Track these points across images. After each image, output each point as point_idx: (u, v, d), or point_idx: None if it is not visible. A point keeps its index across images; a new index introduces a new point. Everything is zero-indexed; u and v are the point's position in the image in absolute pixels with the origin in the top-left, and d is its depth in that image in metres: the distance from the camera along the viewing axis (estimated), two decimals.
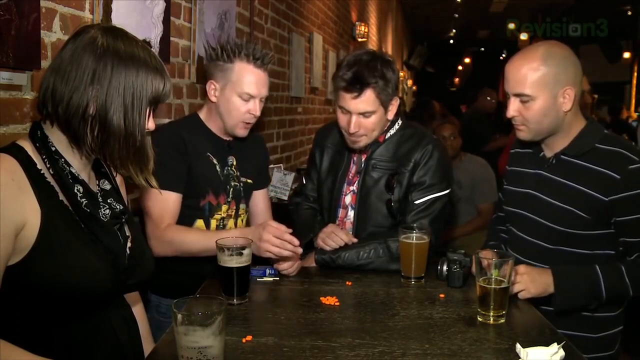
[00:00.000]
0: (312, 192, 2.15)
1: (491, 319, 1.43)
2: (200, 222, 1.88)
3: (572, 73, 1.60)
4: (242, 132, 1.88)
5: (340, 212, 2.02)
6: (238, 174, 1.95)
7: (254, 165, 2.04)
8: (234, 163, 1.95)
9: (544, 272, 1.59)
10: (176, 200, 1.79)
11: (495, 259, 1.45)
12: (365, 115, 1.82)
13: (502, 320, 1.43)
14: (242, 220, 1.99)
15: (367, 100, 1.79)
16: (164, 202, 1.75)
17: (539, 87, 1.57)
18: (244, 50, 1.81)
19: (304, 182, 2.21)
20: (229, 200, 1.92)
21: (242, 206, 1.98)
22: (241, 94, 1.81)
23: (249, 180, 1.99)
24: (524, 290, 1.56)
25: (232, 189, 1.93)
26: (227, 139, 1.93)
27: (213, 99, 1.85)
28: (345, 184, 2.01)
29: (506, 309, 1.44)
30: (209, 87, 1.86)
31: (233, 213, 1.94)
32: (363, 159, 1.97)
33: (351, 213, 1.98)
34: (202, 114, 1.94)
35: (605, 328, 1.68)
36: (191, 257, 1.77)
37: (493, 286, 1.43)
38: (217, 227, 1.90)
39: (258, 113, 1.85)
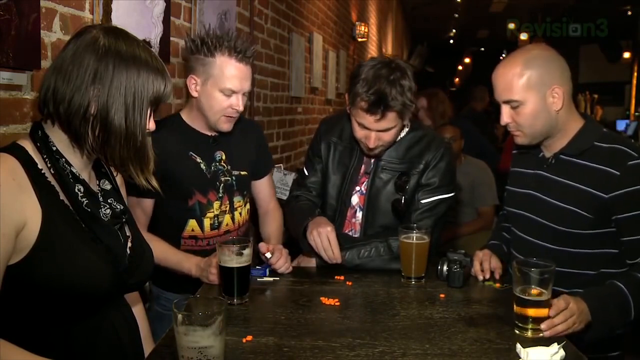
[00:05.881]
0: (314, 185, 2.07)
1: (529, 332, 1.36)
2: (192, 223, 1.87)
3: (557, 72, 1.60)
4: (225, 126, 1.84)
5: (348, 212, 2.01)
6: (229, 167, 1.92)
7: (247, 156, 1.99)
8: (223, 157, 1.91)
9: (581, 302, 1.45)
10: (147, 207, 1.82)
11: (535, 269, 1.37)
12: (385, 130, 1.80)
13: (541, 334, 1.35)
14: (239, 214, 1.96)
15: (388, 120, 1.77)
16: (135, 209, 1.73)
17: (526, 90, 1.58)
18: (226, 43, 1.75)
19: (305, 172, 2.10)
20: (220, 196, 1.90)
21: (238, 199, 1.95)
22: (223, 89, 1.76)
23: (242, 173, 1.96)
24: (574, 326, 1.41)
25: (222, 185, 1.90)
26: (212, 134, 1.89)
27: (194, 93, 1.81)
28: (352, 184, 2.00)
29: None
30: (189, 81, 1.81)
31: (227, 208, 1.92)
32: (372, 160, 1.96)
33: (359, 214, 1.97)
34: (184, 114, 1.91)
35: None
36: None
37: (532, 298, 1.36)
38: (212, 226, 1.89)
39: (241, 108, 1.81)
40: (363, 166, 1.98)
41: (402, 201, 1.89)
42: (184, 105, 1.96)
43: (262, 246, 1.80)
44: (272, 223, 2.09)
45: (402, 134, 1.93)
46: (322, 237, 1.79)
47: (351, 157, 1.99)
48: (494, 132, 5.39)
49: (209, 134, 1.89)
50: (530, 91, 1.58)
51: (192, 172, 1.85)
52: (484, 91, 5.61)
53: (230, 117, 1.83)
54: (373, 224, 1.94)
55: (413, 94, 1.77)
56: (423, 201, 1.88)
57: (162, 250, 1.73)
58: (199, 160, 1.87)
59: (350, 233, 1.99)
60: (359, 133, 1.84)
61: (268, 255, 1.78)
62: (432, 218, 1.87)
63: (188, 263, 1.76)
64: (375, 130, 1.79)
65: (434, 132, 2.05)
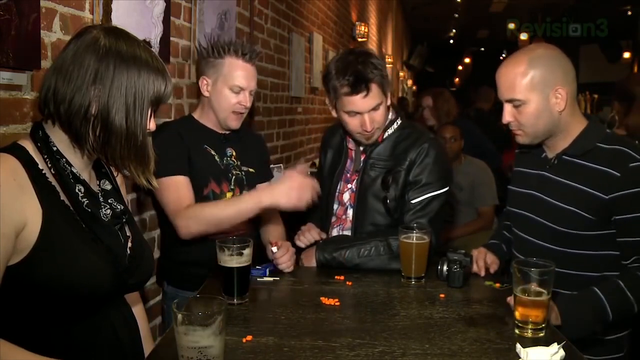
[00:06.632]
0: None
1: (529, 332, 1.35)
2: None
3: (560, 73, 1.59)
4: (234, 123, 1.97)
5: (338, 209, 2.03)
6: (239, 163, 2.03)
7: (254, 156, 2.11)
8: (234, 154, 2.03)
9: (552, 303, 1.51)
10: (187, 183, 1.86)
11: (535, 269, 1.37)
12: (375, 109, 1.85)
13: (541, 334, 1.35)
14: None
15: (374, 95, 1.82)
16: (177, 187, 1.83)
17: (529, 90, 1.58)
18: (233, 46, 1.93)
19: None
20: (232, 187, 1.99)
21: (247, 192, 2.01)
22: (232, 86, 1.92)
23: (250, 169, 2.06)
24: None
25: (234, 177, 2.01)
26: (223, 132, 2.02)
27: (206, 93, 1.96)
28: (343, 182, 2.03)
29: (546, 322, 1.37)
30: (201, 82, 1.96)
31: None
32: (362, 158, 1.98)
33: (350, 211, 1.99)
34: (196, 114, 2.04)
35: (614, 330, 1.65)
36: (201, 249, 1.83)
37: (532, 298, 1.35)
38: None
39: (248, 104, 1.96)
40: (352, 164, 2.03)
41: (387, 199, 1.90)
42: (195, 107, 2.09)
43: (271, 240, 1.86)
44: (275, 229, 2.11)
45: (390, 131, 1.95)
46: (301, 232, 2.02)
47: (340, 156, 2.07)
48: (505, 131, 5.36)
49: (220, 132, 2.01)
50: (533, 91, 1.58)
51: (208, 163, 1.96)
52: (490, 91, 5.62)
53: (239, 113, 1.96)
54: (363, 220, 1.95)
55: (385, 68, 1.87)
56: (414, 201, 1.88)
57: (219, 208, 1.81)
58: (213, 152, 1.98)
59: (338, 229, 2.01)
60: (352, 123, 1.87)
61: (274, 249, 1.80)
62: (425, 217, 1.86)
63: (250, 197, 1.79)
64: (367, 112, 1.84)
65: (422, 129, 2.06)
